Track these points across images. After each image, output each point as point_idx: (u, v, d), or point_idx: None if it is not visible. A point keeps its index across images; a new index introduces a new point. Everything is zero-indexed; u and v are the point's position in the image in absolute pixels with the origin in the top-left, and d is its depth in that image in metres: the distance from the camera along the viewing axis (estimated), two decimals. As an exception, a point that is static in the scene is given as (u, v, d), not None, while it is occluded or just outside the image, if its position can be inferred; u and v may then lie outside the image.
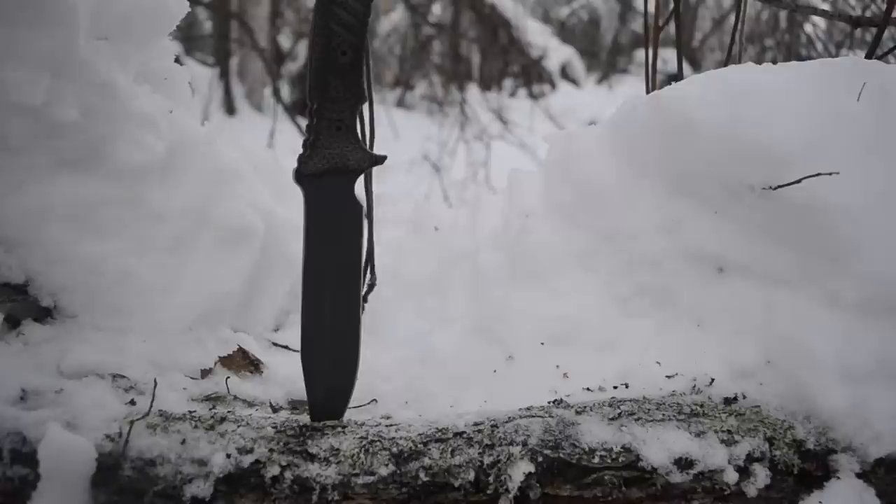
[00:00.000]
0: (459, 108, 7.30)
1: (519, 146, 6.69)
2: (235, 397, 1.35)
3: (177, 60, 1.63)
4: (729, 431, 1.21)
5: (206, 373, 1.38)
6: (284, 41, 10.41)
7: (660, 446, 1.17)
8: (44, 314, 1.37)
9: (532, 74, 10.43)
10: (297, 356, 1.25)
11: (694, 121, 1.44)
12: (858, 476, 1.21)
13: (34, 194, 1.33)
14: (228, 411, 1.25)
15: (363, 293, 1.62)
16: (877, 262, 1.31)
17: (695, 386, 1.32)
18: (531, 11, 12.11)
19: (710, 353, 1.38)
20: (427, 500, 1.12)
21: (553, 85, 11.09)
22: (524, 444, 1.15)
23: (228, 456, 1.12)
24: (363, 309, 1.60)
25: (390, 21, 10.66)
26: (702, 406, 1.26)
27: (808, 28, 5.60)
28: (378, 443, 1.15)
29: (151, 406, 1.19)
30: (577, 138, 1.69)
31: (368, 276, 1.64)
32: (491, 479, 1.12)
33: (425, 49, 9.78)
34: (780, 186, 1.34)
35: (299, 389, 1.31)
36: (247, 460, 1.12)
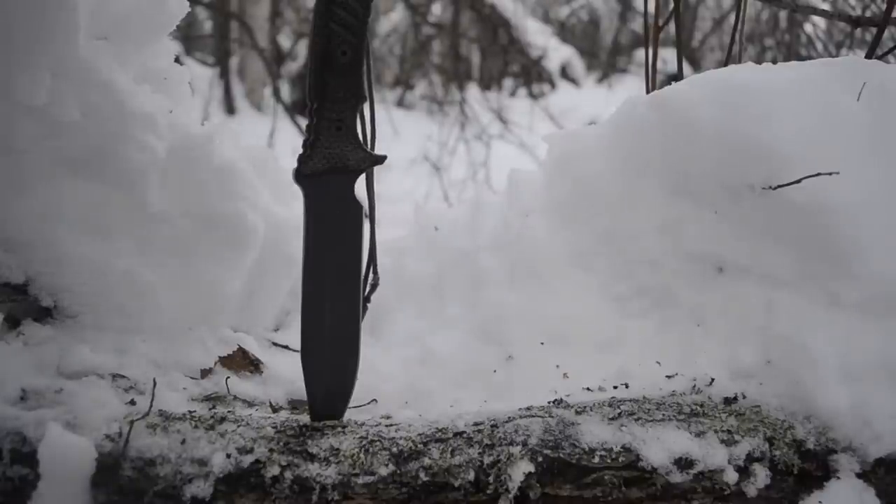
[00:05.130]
0: (459, 108, 7.28)
1: (519, 146, 6.68)
2: (235, 397, 1.35)
3: (177, 60, 1.62)
4: (729, 431, 1.21)
5: (206, 373, 1.38)
6: (284, 41, 10.41)
7: (660, 446, 1.17)
8: (44, 314, 1.37)
9: (532, 74, 10.43)
10: (297, 356, 1.25)
11: (694, 121, 1.44)
12: (858, 476, 1.21)
13: (34, 195, 1.33)
14: (228, 411, 1.25)
15: (366, 293, 1.62)
16: (877, 262, 1.31)
17: (695, 386, 1.32)
18: (531, 11, 12.10)
19: (710, 353, 1.38)
20: (427, 500, 1.12)
21: (553, 85, 11.09)
22: (524, 444, 1.15)
23: (228, 456, 1.12)
24: (367, 309, 1.60)
25: (390, 21, 10.66)
26: (702, 406, 1.26)
27: (808, 28, 5.59)
28: (378, 443, 1.15)
29: (151, 406, 1.19)
30: (576, 138, 1.68)
31: (371, 276, 1.64)
32: (491, 479, 1.12)
33: (425, 49, 9.78)
34: (780, 186, 1.34)
35: (299, 389, 1.31)
36: (247, 460, 1.12)
